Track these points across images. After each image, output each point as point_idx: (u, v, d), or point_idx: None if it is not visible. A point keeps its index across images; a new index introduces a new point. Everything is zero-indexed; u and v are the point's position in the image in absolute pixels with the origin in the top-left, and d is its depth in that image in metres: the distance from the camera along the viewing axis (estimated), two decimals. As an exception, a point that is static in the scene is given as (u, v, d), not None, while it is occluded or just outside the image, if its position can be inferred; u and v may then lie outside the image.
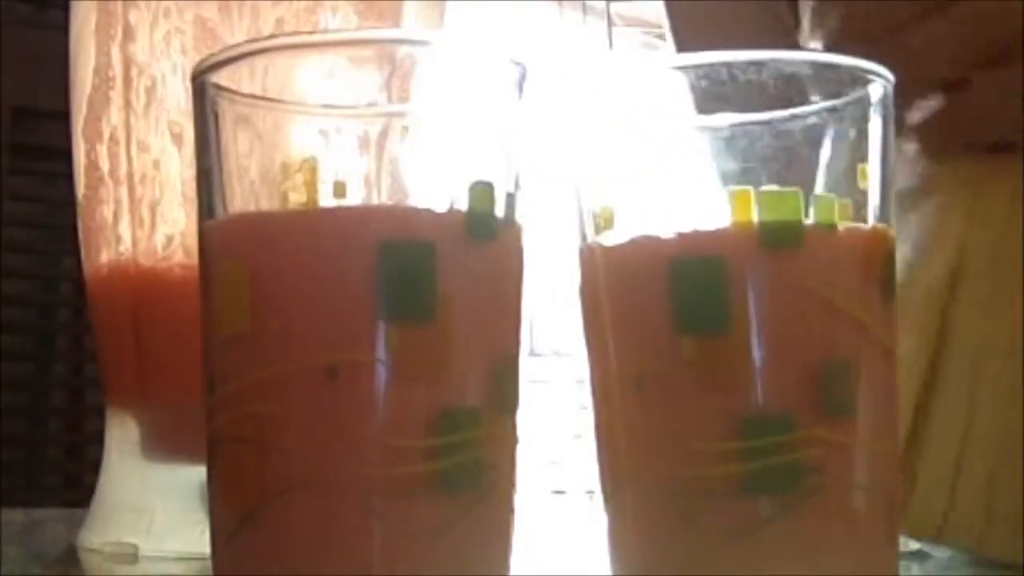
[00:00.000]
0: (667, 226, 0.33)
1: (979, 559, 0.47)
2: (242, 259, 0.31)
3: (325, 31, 0.46)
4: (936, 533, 0.46)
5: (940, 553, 0.49)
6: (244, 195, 0.32)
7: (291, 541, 0.29)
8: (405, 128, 0.33)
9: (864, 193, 0.34)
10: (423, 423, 0.29)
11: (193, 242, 0.40)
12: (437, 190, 0.31)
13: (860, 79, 0.34)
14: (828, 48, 0.50)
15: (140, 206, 0.47)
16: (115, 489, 0.49)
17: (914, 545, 0.49)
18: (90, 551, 0.48)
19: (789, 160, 0.35)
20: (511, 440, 0.32)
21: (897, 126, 0.49)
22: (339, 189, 0.31)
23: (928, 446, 0.46)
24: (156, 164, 0.47)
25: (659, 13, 0.75)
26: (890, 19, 0.47)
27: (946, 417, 0.46)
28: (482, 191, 0.31)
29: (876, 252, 0.33)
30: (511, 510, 0.32)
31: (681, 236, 0.33)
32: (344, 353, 0.29)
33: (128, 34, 0.48)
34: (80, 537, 0.49)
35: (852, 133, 0.34)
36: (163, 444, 0.48)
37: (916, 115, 0.48)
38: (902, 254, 0.50)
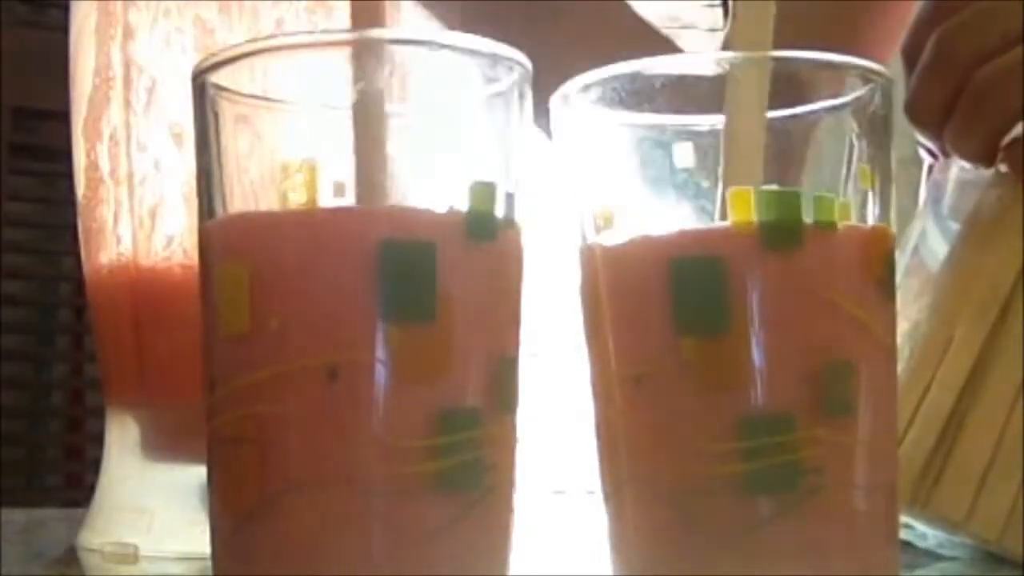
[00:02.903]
0: (667, 226, 0.33)
1: (999, 556, 0.47)
2: (242, 259, 0.31)
3: (325, 31, 0.46)
4: (963, 520, 0.46)
5: (958, 552, 0.49)
6: (244, 195, 0.32)
7: (291, 541, 0.29)
8: (405, 128, 0.33)
9: (864, 193, 0.34)
10: (423, 423, 0.29)
11: (193, 242, 0.40)
12: (437, 190, 0.31)
13: (860, 79, 0.34)
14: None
15: (140, 206, 0.47)
16: (115, 489, 0.49)
17: (931, 539, 0.49)
18: (90, 551, 0.48)
19: (789, 160, 0.35)
20: (511, 440, 0.32)
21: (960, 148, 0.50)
22: (339, 189, 0.31)
23: (967, 430, 0.47)
24: (156, 164, 0.47)
25: (664, 14, 0.75)
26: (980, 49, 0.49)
27: (987, 410, 0.47)
28: (482, 191, 0.31)
29: (876, 252, 0.33)
30: (511, 510, 0.32)
31: (681, 236, 0.33)
32: (344, 353, 0.29)
33: (128, 34, 0.48)
34: (80, 537, 0.49)
35: (852, 133, 0.34)
36: (163, 444, 0.48)
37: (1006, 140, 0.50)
38: (974, 238, 0.50)
